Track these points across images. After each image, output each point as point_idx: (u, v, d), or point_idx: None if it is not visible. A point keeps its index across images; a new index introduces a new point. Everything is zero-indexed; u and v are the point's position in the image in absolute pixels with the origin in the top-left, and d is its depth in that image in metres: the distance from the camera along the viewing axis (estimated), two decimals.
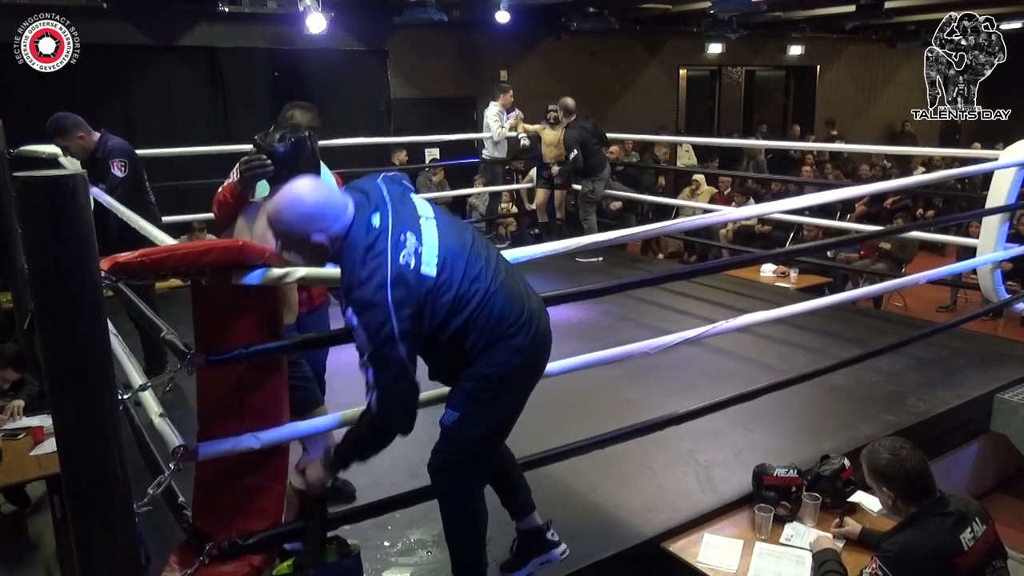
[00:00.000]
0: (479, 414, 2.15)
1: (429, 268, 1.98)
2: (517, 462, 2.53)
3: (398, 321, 1.90)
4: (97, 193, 3.90)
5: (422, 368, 2.13)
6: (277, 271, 2.07)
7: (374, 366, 1.94)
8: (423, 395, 2.55)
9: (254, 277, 2.02)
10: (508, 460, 2.49)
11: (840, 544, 2.69)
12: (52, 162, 4.53)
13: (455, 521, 2.30)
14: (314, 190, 2.00)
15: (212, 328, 2.10)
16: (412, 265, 1.95)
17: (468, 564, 2.35)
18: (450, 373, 2.19)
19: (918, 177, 6.24)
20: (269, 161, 2.45)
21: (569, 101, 7.12)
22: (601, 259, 7.01)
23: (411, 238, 1.98)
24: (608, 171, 7.36)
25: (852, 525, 2.75)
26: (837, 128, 13.72)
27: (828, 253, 7.17)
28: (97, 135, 4.23)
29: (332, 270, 2.14)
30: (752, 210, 4.66)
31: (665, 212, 9.01)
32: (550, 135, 7.28)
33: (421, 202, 2.16)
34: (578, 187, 7.30)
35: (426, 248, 2.00)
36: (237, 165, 2.84)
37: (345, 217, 1.98)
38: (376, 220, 1.98)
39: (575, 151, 6.89)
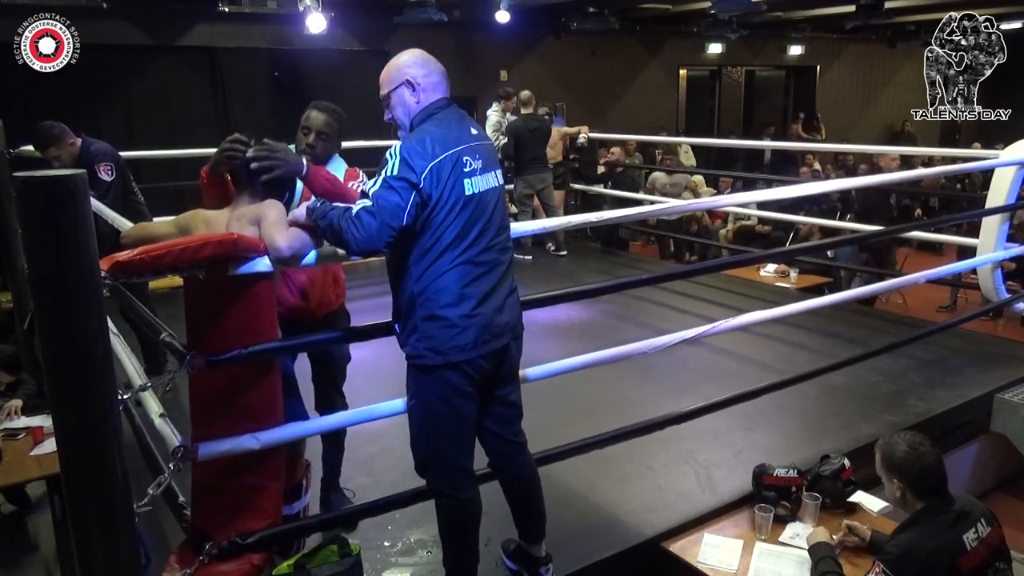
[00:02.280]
0: (424, 396, 2.21)
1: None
2: (539, 491, 2.51)
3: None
4: None
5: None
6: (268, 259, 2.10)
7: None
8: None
9: (250, 267, 2.05)
10: (528, 486, 2.50)
11: (837, 537, 2.67)
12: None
13: (443, 515, 2.35)
14: None
15: (205, 325, 2.10)
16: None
17: (457, 558, 2.38)
18: (399, 316, 2.23)
19: (903, 174, 6.18)
20: (244, 149, 2.27)
21: (524, 94, 7.03)
22: (530, 258, 6.95)
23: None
24: (542, 177, 7.00)
25: (862, 533, 2.68)
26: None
27: (828, 253, 7.16)
28: (79, 140, 4.22)
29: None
30: (699, 203, 4.68)
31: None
32: None
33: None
34: (581, 187, 7.23)
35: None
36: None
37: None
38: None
39: (506, 139, 6.84)
